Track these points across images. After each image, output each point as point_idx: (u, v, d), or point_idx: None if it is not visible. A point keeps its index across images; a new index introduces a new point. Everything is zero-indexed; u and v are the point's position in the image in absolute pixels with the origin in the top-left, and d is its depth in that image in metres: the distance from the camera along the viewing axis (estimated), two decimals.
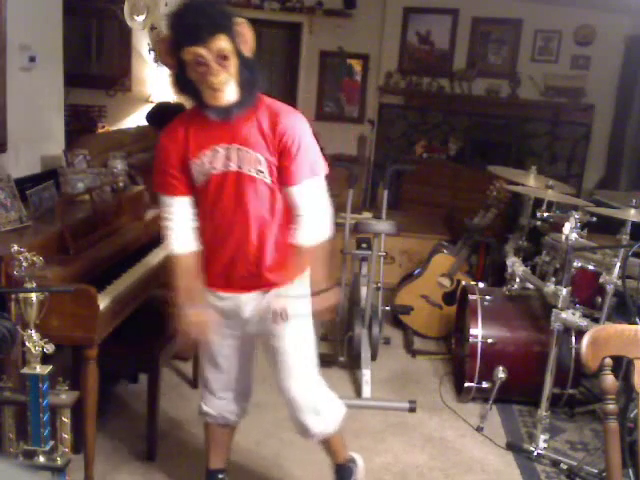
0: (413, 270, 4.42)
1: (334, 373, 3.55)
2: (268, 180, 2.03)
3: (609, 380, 1.61)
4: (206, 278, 2.14)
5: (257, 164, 2.01)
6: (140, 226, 3.06)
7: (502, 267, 3.84)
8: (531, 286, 3.43)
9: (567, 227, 2.88)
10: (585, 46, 6.50)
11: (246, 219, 2.04)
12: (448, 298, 4.14)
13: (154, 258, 2.89)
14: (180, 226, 2.12)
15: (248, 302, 2.15)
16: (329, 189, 2.13)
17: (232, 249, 2.08)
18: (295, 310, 2.12)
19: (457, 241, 4.33)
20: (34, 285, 1.94)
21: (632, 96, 6.12)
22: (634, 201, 2.95)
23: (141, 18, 4.84)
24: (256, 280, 2.11)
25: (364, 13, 6.98)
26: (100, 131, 6.73)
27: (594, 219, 3.09)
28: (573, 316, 2.86)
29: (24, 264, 1.94)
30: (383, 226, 3.68)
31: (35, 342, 1.91)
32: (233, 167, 2.01)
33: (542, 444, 2.91)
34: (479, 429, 3.12)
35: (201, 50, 1.86)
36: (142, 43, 7.07)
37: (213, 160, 2.02)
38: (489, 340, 3.26)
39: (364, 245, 3.76)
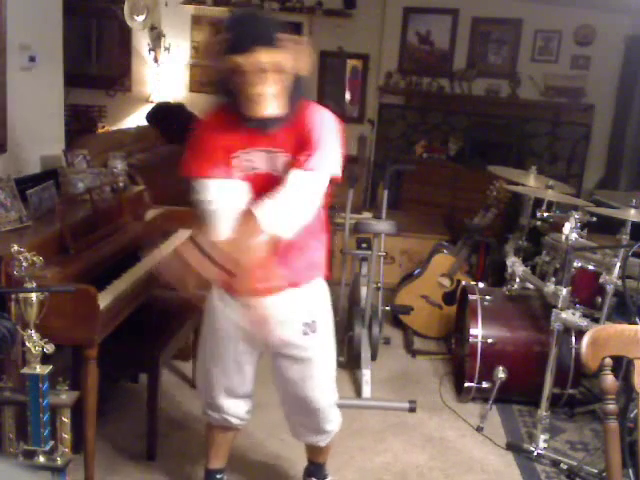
0: (413, 270, 4.42)
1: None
2: None
3: (609, 380, 1.61)
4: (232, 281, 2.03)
5: (289, 166, 1.99)
6: (140, 226, 3.06)
7: (502, 267, 3.84)
8: (531, 286, 3.43)
9: (567, 227, 2.88)
10: (585, 46, 6.50)
11: None
12: (448, 298, 4.14)
13: (154, 258, 2.89)
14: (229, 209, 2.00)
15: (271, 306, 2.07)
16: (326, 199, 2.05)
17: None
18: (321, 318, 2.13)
19: (457, 241, 4.33)
20: (34, 285, 1.94)
21: (632, 96, 6.12)
22: (634, 201, 2.95)
23: (141, 18, 4.85)
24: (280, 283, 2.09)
25: (364, 13, 6.97)
26: (100, 131, 6.73)
27: (594, 219, 3.09)
28: (573, 316, 2.86)
29: (24, 264, 1.94)
30: (383, 226, 3.68)
31: (35, 342, 1.91)
32: (266, 169, 2.01)
33: (542, 444, 2.91)
34: (479, 429, 3.12)
35: (240, 60, 1.85)
36: (142, 43, 7.08)
37: (248, 161, 2.01)
38: (489, 340, 3.26)
39: (364, 245, 3.76)
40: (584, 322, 2.84)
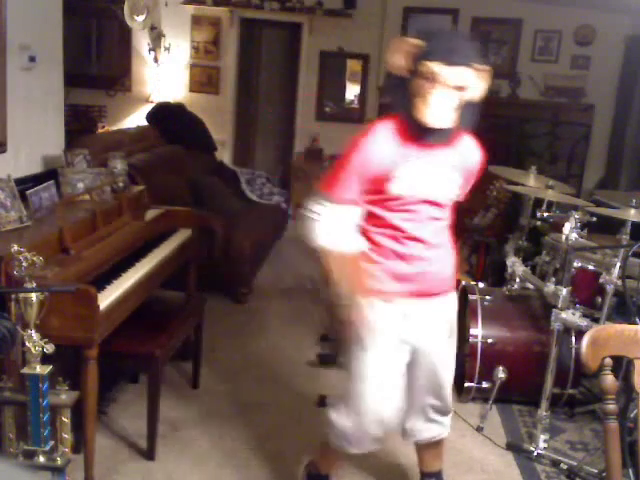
0: None
1: (334, 373, 3.55)
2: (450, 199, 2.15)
3: (609, 380, 1.61)
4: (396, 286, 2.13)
5: (450, 184, 2.10)
6: (140, 226, 3.06)
7: (502, 267, 3.84)
8: (531, 286, 3.43)
9: (567, 227, 2.89)
10: (585, 46, 6.51)
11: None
12: None
13: (154, 258, 2.89)
14: (345, 228, 2.09)
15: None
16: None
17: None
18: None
19: (457, 241, 4.33)
20: (34, 285, 1.94)
21: (632, 96, 6.12)
22: (634, 201, 2.95)
23: (141, 18, 4.85)
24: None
25: (364, 13, 6.98)
26: (100, 131, 6.73)
27: (594, 219, 3.09)
28: (573, 316, 2.86)
29: (24, 264, 1.94)
30: None
31: (35, 342, 1.91)
32: (430, 184, 2.06)
33: (542, 444, 2.91)
34: (479, 429, 3.12)
35: (445, 71, 1.90)
36: (142, 43, 7.08)
37: (419, 173, 2.04)
38: (489, 340, 3.26)
39: None
40: (584, 322, 2.84)
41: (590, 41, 6.50)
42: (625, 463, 2.02)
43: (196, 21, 7.22)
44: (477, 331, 3.28)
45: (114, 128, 6.86)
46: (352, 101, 7.49)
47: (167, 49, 7.11)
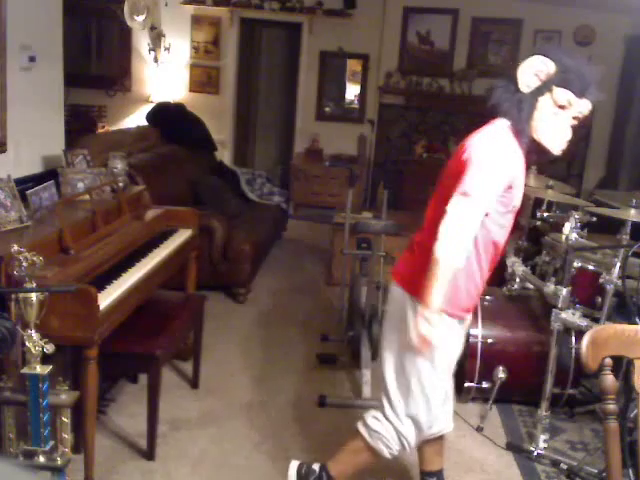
0: None
1: (334, 373, 3.55)
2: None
3: (609, 380, 1.61)
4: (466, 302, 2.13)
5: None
6: (140, 226, 3.06)
7: (502, 267, 3.84)
8: (531, 286, 3.43)
9: (567, 227, 2.89)
10: (585, 46, 6.51)
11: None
12: None
13: (154, 258, 2.89)
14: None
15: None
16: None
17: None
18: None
19: None
20: (34, 285, 1.94)
21: (632, 96, 6.12)
22: (634, 201, 2.95)
23: (141, 18, 4.85)
24: None
25: (364, 13, 6.98)
26: (100, 131, 6.74)
27: (594, 219, 3.09)
28: (573, 316, 2.86)
29: (24, 264, 1.94)
30: (383, 226, 3.67)
31: (35, 342, 1.91)
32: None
33: (542, 444, 2.91)
34: (479, 429, 3.12)
35: (578, 102, 1.97)
36: (142, 43, 7.08)
37: (521, 191, 2.06)
38: (489, 340, 3.26)
39: (364, 245, 3.76)
40: (584, 322, 2.83)
41: (590, 41, 6.50)
42: (625, 463, 2.02)
43: (196, 21, 7.23)
44: (477, 331, 3.28)
45: (114, 128, 6.87)
46: (352, 101, 7.50)
47: (167, 49, 7.11)
